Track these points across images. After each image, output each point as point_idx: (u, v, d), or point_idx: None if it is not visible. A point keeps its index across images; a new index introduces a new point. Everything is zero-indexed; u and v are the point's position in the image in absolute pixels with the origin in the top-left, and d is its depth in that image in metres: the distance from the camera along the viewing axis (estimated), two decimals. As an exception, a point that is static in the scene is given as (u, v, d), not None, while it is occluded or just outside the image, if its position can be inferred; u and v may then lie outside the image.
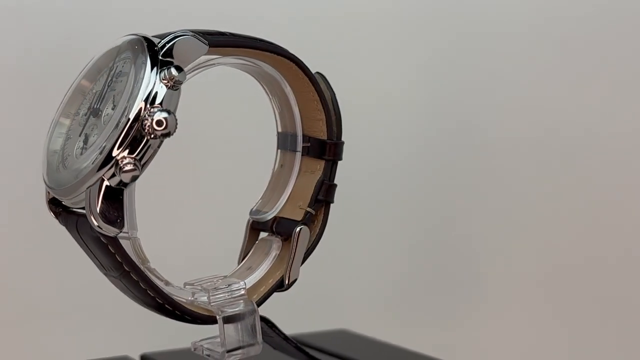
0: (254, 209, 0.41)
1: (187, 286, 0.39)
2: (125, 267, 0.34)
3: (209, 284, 0.38)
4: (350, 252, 0.68)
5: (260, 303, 0.39)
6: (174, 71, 0.33)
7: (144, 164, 0.32)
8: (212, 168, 0.62)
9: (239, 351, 0.37)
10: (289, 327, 0.66)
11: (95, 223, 0.32)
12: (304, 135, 0.41)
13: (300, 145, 0.41)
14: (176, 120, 0.32)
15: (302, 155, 0.41)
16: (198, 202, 0.62)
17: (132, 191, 0.35)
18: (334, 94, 0.41)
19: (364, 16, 0.65)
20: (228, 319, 0.36)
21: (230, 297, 0.38)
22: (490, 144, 0.71)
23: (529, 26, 0.71)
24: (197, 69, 0.37)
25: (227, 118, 0.62)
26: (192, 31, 0.35)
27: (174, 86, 0.33)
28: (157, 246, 0.60)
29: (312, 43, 0.62)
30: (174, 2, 0.60)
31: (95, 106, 0.34)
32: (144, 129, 0.32)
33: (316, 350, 0.56)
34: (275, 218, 0.41)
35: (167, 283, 0.37)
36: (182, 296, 0.37)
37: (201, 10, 0.59)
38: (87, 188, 0.32)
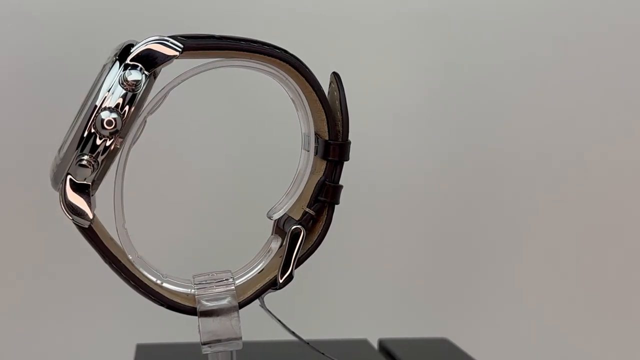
0: (272, 207, 0.42)
1: (195, 278, 0.41)
2: (105, 256, 0.37)
3: (203, 277, 0.40)
4: (355, 252, 0.67)
5: (251, 300, 0.40)
6: (130, 75, 0.34)
7: (102, 162, 0.35)
8: (253, 165, 0.64)
9: (218, 344, 0.38)
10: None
11: (66, 214, 0.36)
12: (315, 135, 0.41)
13: (312, 145, 0.41)
14: (123, 121, 0.34)
15: (314, 155, 0.41)
16: (230, 200, 0.64)
17: (120, 186, 0.38)
18: (344, 95, 0.40)
19: (375, 18, 0.63)
20: (206, 313, 0.38)
21: (217, 291, 0.39)
22: (496, 146, 0.67)
23: (539, 31, 0.66)
24: (195, 72, 0.39)
25: (264, 119, 0.63)
26: (174, 36, 0.37)
27: (131, 89, 0.35)
28: (195, 241, 0.63)
29: (323, 44, 0.62)
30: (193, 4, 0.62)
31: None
32: (95, 129, 0.34)
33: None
34: (286, 217, 0.41)
35: (160, 274, 0.39)
36: (175, 288, 0.39)
37: (216, 11, 0.61)
38: (60, 182, 0.36)
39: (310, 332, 0.63)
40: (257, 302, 0.41)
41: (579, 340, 0.70)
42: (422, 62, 0.63)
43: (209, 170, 0.63)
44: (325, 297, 0.66)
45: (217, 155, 0.63)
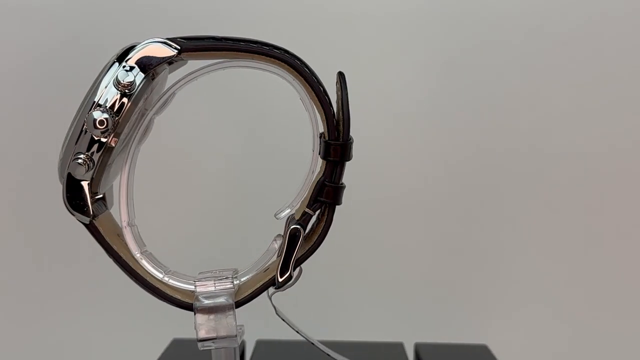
0: (280, 207, 0.42)
1: (199, 275, 0.42)
2: (107, 252, 0.38)
3: (205, 275, 0.41)
4: (360, 252, 0.65)
5: (250, 298, 0.40)
6: (125, 76, 0.36)
7: (98, 160, 0.36)
8: (266, 165, 0.64)
9: (213, 341, 0.38)
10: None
11: (67, 210, 0.37)
12: (320, 135, 0.41)
13: (317, 145, 0.41)
14: (114, 121, 0.35)
15: (318, 154, 0.41)
16: (248, 200, 0.64)
17: (126, 185, 0.39)
18: (346, 94, 0.40)
19: (375, 18, 0.62)
20: (202, 310, 0.38)
21: (215, 289, 0.39)
22: (497, 145, 0.65)
23: (539, 31, 0.63)
24: (202, 72, 0.40)
25: (274, 119, 0.63)
26: (173, 38, 0.38)
27: (125, 90, 0.36)
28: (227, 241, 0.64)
29: (323, 44, 0.61)
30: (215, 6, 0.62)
31: None
32: (88, 128, 0.35)
33: None
34: (291, 217, 0.41)
35: (165, 270, 0.40)
36: (177, 284, 0.40)
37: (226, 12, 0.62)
38: (62, 179, 0.37)
39: (350, 334, 0.63)
40: (267, 301, 0.41)
41: (618, 346, 0.67)
42: (422, 61, 0.62)
43: (222, 171, 0.64)
44: (367, 299, 0.66)
45: (230, 155, 0.64)
